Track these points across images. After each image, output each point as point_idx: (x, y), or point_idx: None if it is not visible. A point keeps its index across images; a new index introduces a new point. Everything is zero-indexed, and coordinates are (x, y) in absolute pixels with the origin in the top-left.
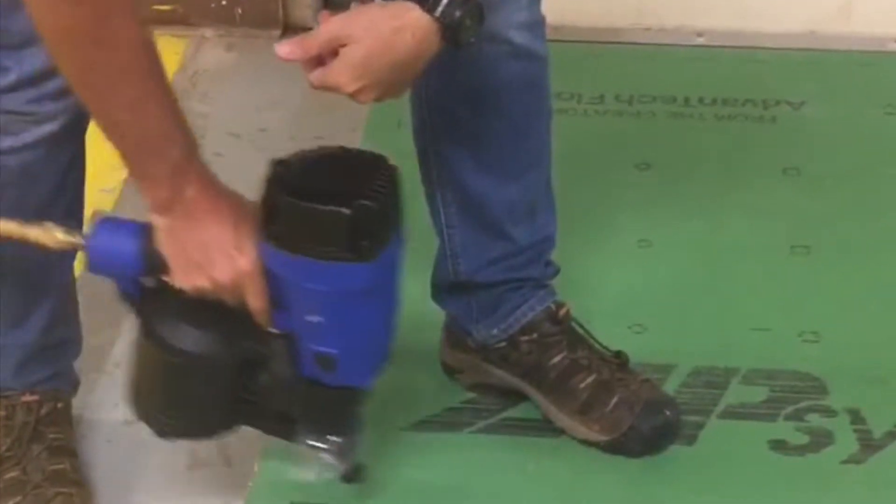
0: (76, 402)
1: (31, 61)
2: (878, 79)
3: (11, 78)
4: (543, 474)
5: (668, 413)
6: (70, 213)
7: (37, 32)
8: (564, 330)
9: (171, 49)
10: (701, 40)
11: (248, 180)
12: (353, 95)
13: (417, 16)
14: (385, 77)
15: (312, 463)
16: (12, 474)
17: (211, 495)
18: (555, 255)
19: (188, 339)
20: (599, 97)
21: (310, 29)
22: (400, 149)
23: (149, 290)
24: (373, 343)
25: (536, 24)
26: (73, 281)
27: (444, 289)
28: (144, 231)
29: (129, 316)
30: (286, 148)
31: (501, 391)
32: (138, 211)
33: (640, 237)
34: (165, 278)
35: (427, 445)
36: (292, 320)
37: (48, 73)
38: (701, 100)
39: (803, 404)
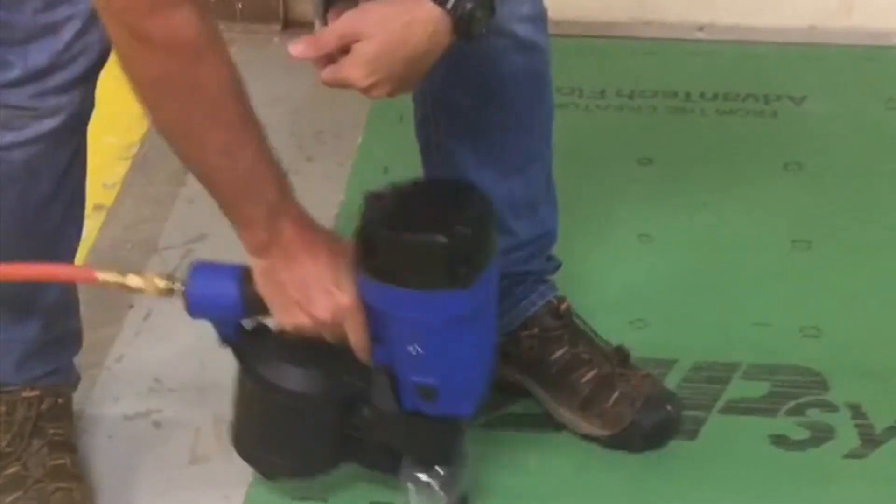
0: (77, 397)
1: (36, 57)
2: (879, 73)
3: (16, 73)
4: (545, 469)
5: (669, 408)
6: (71, 208)
7: (41, 27)
8: (565, 325)
9: None
10: (702, 35)
11: None
12: (365, 91)
13: (429, 9)
14: (398, 71)
15: (418, 495)
16: (13, 470)
17: (212, 490)
18: (556, 250)
19: (291, 378)
20: (600, 92)
21: (310, 24)
22: (401, 143)
23: (247, 332)
24: (472, 371)
25: (539, 16)
26: None
27: None
28: (241, 274)
29: (130, 312)
30: (287, 144)
31: (502, 386)
32: (138, 206)
33: (641, 232)
34: (264, 319)
35: None
36: (392, 353)
37: (52, 69)
38: (702, 95)
39: (804, 399)
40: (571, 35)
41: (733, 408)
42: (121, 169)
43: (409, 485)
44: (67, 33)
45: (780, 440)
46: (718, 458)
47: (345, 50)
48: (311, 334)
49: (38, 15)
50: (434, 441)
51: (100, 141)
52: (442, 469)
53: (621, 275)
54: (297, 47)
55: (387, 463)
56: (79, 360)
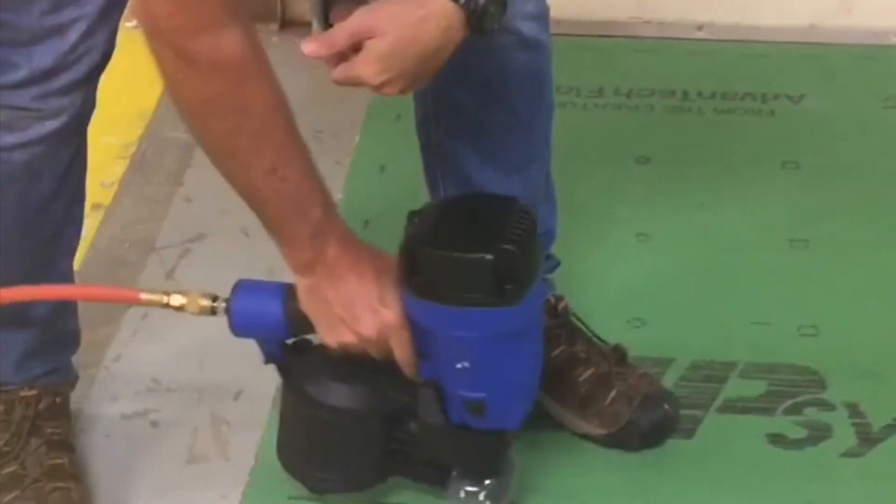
0: (74, 396)
1: (41, 58)
2: (877, 72)
3: (21, 74)
4: (542, 468)
5: (666, 407)
6: (71, 208)
7: (47, 29)
8: (563, 323)
9: None
10: (700, 34)
11: None
12: (378, 88)
13: (442, 4)
14: (411, 68)
15: None
16: (11, 469)
17: (209, 490)
18: (554, 249)
19: (337, 394)
20: (598, 90)
21: (308, 24)
22: (398, 142)
23: (291, 349)
24: (520, 384)
25: (542, 14)
26: (71, 274)
27: None
28: (285, 292)
29: (128, 311)
30: None
31: None
32: (136, 205)
33: (639, 231)
34: (308, 337)
35: None
36: (438, 368)
37: (56, 70)
38: (700, 93)
39: (802, 398)
40: (570, 34)
41: (731, 407)
42: (119, 168)
43: (458, 497)
44: (73, 35)
45: (777, 439)
46: (716, 457)
47: (355, 48)
48: (357, 352)
49: (44, 17)
50: (482, 454)
51: (98, 140)
52: (490, 480)
53: (619, 274)
54: (310, 46)
55: (434, 476)
56: (77, 360)
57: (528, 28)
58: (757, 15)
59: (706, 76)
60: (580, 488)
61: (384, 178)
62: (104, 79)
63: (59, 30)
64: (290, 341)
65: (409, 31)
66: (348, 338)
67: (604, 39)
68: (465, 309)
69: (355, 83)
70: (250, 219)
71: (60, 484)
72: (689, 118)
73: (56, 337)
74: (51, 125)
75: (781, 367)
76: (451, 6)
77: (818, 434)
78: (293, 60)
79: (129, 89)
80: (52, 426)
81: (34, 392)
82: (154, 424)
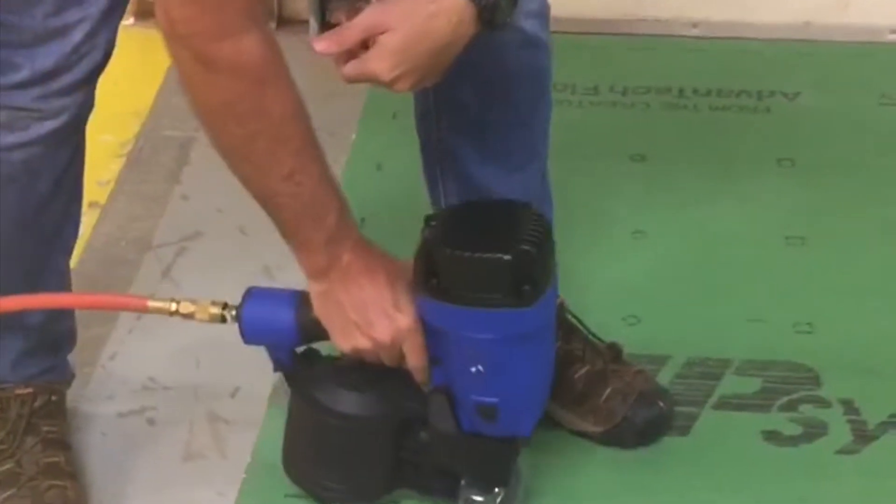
0: (71, 394)
1: (43, 60)
2: (872, 69)
3: (23, 74)
4: (537, 466)
5: (661, 404)
6: (69, 207)
7: (50, 31)
8: (559, 321)
9: None
10: (696, 31)
11: None
12: (390, 84)
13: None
14: (423, 63)
15: None
16: (7, 467)
17: (205, 487)
18: None
19: (347, 402)
20: (594, 88)
21: (305, 22)
22: (395, 140)
23: (301, 357)
24: (533, 389)
25: (543, 12)
26: (68, 273)
27: None
28: (297, 299)
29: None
30: None
31: None
32: (132, 204)
33: (634, 228)
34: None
35: None
36: (452, 373)
37: (58, 71)
38: (696, 91)
39: (797, 395)
40: (565, 31)
41: (726, 404)
42: (115, 166)
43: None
44: (76, 36)
45: (772, 436)
46: (711, 454)
47: (364, 45)
48: (370, 357)
49: (47, 19)
50: (493, 462)
51: (95, 138)
52: (499, 489)
53: (615, 271)
54: (321, 43)
55: (442, 487)
56: (73, 358)
57: (530, 26)
58: (752, 12)
59: (702, 73)
60: (575, 485)
61: (381, 175)
62: (101, 77)
63: (62, 31)
64: (299, 350)
65: (421, 26)
66: (362, 343)
67: (599, 37)
68: (483, 310)
69: (367, 80)
70: (247, 217)
71: (56, 482)
72: (684, 115)
73: (53, 336)
74: (50, 125)
75: (777, 364)
76: (462, 1)
77: (813, 431)
78: (290, 58)
79: (126, 87)
80: (48, 424)
81: (30, 390)
82: (150, 422)
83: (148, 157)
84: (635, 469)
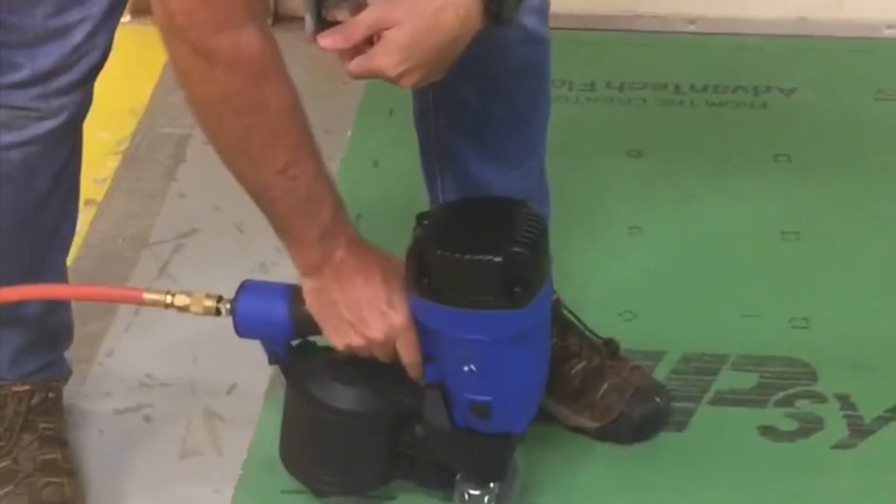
0: (67, 391)
1: (43, 60)
2: (869, 65)
3: (24, 74)
4: (534, 462)
5: (658, 400)
6: (66, 205)
7: (51, 31)
8: (555, 317)
9: None
10: (693, 27)
11: None
12: (395, 80)
13: None
14: (430, 58)
15: None
16: (3, 464)
17: (202, 484)
18: None
19: (342, 397)
20: (590, 84)
21: (300, 19)
22: (391, 137)
23: (296, 351)
24: (527, 388)
25: (544, 8)
26: (65, 271)
27: None
28: (291, 294)
29: (120, 306)
30: None
31: None
32: (128, 201)
33: (631, 224)
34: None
35: None
36: (445, 371)
37: (57, 71)
38: (692, 87)
39: (793, 390)
40: (562, 27)
41: (722, 399)
42: (112, 164)
43: (463, 500)
44: (77, 36)
45: (768, 431)
46: (707, 450)
47: (368, 41)
48: (364, 354)
49: (48, 19)
50: (487, 457)
51: (91, 136)
52: (494, 484)
53: (611, 267)
54: (327, 39)
55: (437, 479)
56: (70, 355)
57: (531, 22)
58: (749, 8)
59: (698, 69)
60: (571, 481)
61: (377, 172)
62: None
63: (63, 31)
64: (294, 343)
65: (428, 21)
66: (355, 340)
67: (596, 33)
68: (474, 312)
69: (373, 76)
70: (243, 214)
71: (53, 479)
72: (681, 111)
73: (49, 332)
74: (49, 125)
75: (773, 360)
76: None
77: (810, 426)
78: (286, 55)
79: (122, 85)
80: (45, 421)
81: (27, 387)
82: (147, 419)
83: (144, 154)
84: (632, 464)
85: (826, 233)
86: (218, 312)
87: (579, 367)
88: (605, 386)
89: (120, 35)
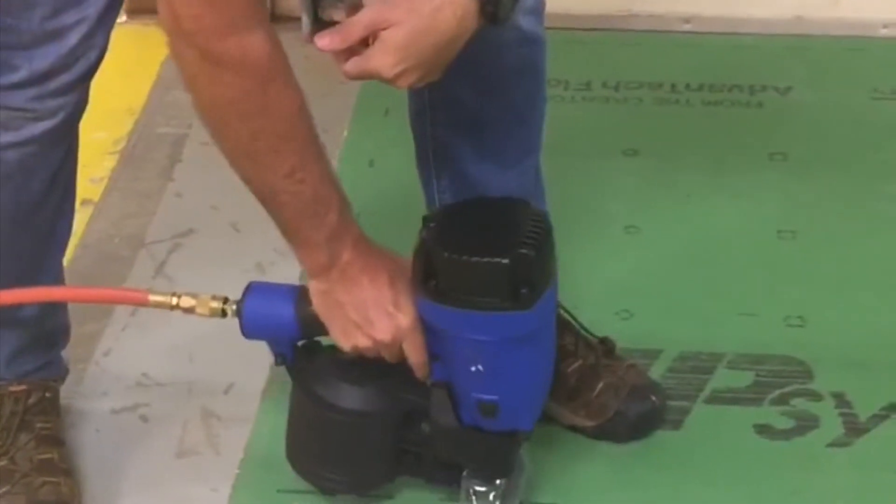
0: (64, 391)
1: (41, 61)
2: (864, 64)
3: (21, 75)
4: (531, 461)
5: (653, 398)
6: (63, 204)
7: (48, 33)
8: None
9: (159, 39)
10: (688, 26)
11: None
12: (392, 80)
13: None
14: (427, 59)
15: None
16: (1, 464)
17: (199, 483)
18: None
19: (349, 397)
20: (586, 84)
21: (297, 19)
22: (387, 137)
23: (302, 351)
24: (533, 386)
25: (539, 9)
26: (62, 271)
27: None
28: (297, 295)
29: (117, 306)
30: None
31: None
32: (125, 201)
33: (627, 223)
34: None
35: None
36: (451, 370)
37: (54, 72)
38: (688, 86)
39: (789, 389)
40: (558, 27)
41: (718, 397)
42: (108, 164)
43: (469, 497)
44: (73, 38)
45: (764, 429)
46: (703, 448)
47: (364, 42)
48: (371, 354)
49: (45, 21)
50: (493, 454)
51: (88, 136)
52: (501, 480)
53: (607, 266)
54: (324, 40)
55: (444, 476)
56: (67, 355)
57: (527, 23)
58: (744, 7)
59: (694, 68)
60: (568, 479)
61: (373, 172)
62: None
63: (60, 33)
64: (300, 343)
65: (425, 21)
66: (362, 342)
67: (592, 33)
68: (481, 313)
69: (370, 76)
70: (240, 214)
71: (50, 478)
72: (676, 110)
73: (47, 333)
74: (45, 125)
75: (769, 358)
76: None
77: (805, 424)
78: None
79: (119, 85)
80: (42, 421)
81: (23, 387)
82: (144, 419)
83: (141, 154)
84: (628, 463)
85: (822, 231)
86: (224, 314)
87: (575, 365)
88: (600, 385)
89: (116, 35)
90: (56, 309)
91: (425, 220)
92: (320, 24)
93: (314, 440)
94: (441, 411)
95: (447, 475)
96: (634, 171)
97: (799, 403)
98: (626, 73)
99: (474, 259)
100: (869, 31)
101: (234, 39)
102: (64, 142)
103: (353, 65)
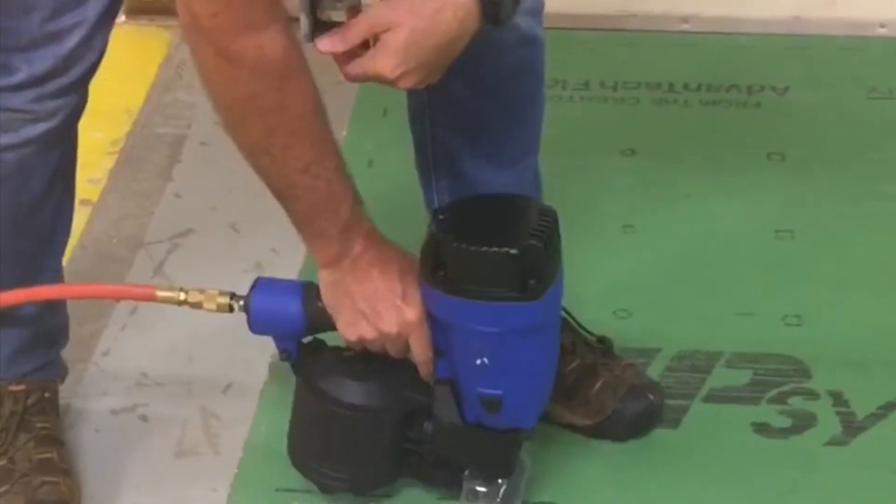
0: (64, 391)
1: (40, 63)
2: (862, 64)
3: (20, 77)
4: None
5: (651, 397)
6: (62, 205)
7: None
8: None
9: (157, 39)
10: (686, 26)
11: (234, 170)
12: (394, 82)
13: None
14: (429, 60)
15: None
16: (0, 464)
17: (197, 483)
18: None
19: (353, 392)
20: (584, 83)
21: (295, 19)
22: (385, 137)
23: (306, 347)
24: (538, 382)
25: (538, 9)
26: (61, 271)
27: None
28: (304, 290)
29: (116, 306)
30: None
31: None
32: (124, 201)
33: (625, 223)
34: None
35: None
36: (456, 365)
37: (53, 74)
38: (686, 86)
39: (786, 387)
40: (556, 27)
41: (716, 396)
42: (107, 164)
43: (470, 497)
44: (73, 40)
45: (762, 428)
46: (701, 447)
47: (364, 44)
48: (374, 347)
49: (44, 23)
50: (496, 453)
51: (86, 136)
52: (502, 480)
53: (605, 265)
54: (325, 43)
55: (444, 477)
56: (66, 355)
57: (526, 23)
58: (742, 7)
59: (692, 68)
60: (566, 478)
61: (372, 172)
62: None
63: (59, 35)
64: (305, 340)
65: (426, 23)
66: (368, 333)
67: (590, 32)
68: (489, 303)
69: (371, 78)
70: (239, 214)
71: (50, 478)
72: (674, 110)
73: (46, 332)
74: (44, 126)
75: (766, 357)
76: None
77: (803, 423)
78: None
79: (118, 85)
80: (41, 421)
81: (23, 387)
82: (143, 419)
83: (140, 154)
84: (625, 462)
85: (820, 231)
86: (231, 309)
87: (573, 364)
88: (598, 383)
89: (115, 35)
90: (55, 308)
91: (435, 212)
92: (319, 25)
93: (316, 436)
94: (444, 408)
95: (448, 476)
96: (632, 171)
97: (796, 402)
98: (625, 72)
99: (483, 249)
100: (866, 31)
101: (250, 37)
102: (63, 143)
103: (355, 67)
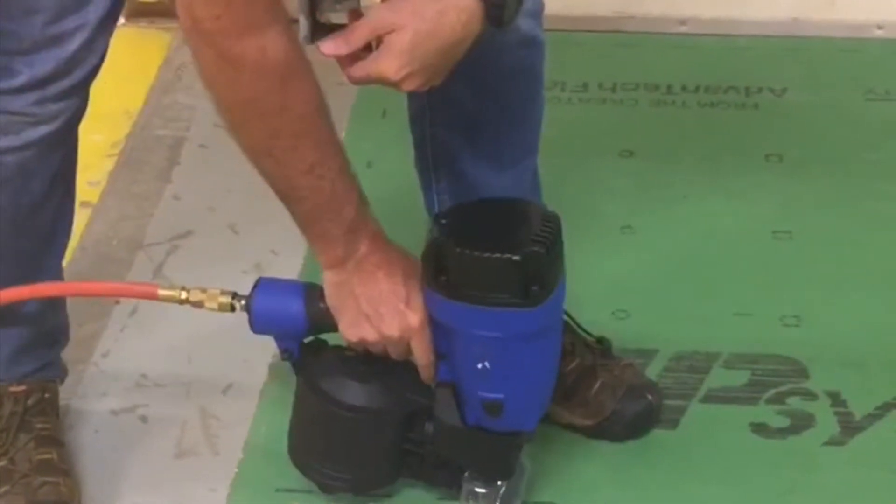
0: (63, 392)
1: (41, 66)
2: (859, 65)
3: (21, 80)
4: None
5: (650, 397)
6: (62, 207)
7: (49, 38)
8: None
9: (157, 42)
10: (684, 28)
11: (233, 171)
12: (397, 84)
13: None
14: (432, 62)
15: None
16: (0, 464)
17: (197, 483)
18: None
19: (354, 393)
20: (583, 85)
21: (294, 21)
22: (384, 138)
23: (307, 347)
24: (538, 385)
25: (538, 11)
26: (61, 273)
27: None
28: (307, 291)
29: (116, 307)
30: None
31: None
32: (123, 203)
33: (623, 224)
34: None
35: None
36: (458, 369)
37: (55, 77)
38: (684, 87)
39: (784, 388)
40: (555, 29)
41: (714, 397)
42: (106, 166)
43: (469, 498)
44: (74, 43)
45: (760, 428)
46: (699, 447)
47: (367, 47)
48: (375, 349)
49: (46, 27)
50: (496, 456)
51: (86, 138)
52: (502, 482)
53: (604, 266)
54: (328, 46)
55: (444, 478)
56: (65, 356)
57: (527, 25)
58: (740, 9)
59: (690, 70)
60: (564, 478)
61: (371, 173)
62: None
63: (60, 38)
64: (306, 340)
65: (430, 25)
66: (370, 335)
67: (588, 34)
68: (491, 309)
69: (375, 80)
70: (238, 215)
71: (50, 479)
72: (673, 112)
73: (46, 333)
74: (45, 129)
75: (764, 358)
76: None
77: (801, 423)
78: None
79: (117, 87)
80: (41, 422)
81: (23, 388)
82: (143, 419)
83: (139, 156)
84: (624, 462)
85: (817, 232)
86: (233, 309)
87: (572, 365)
88: (597, 384)
89: (115, 37)
90: (56, 308)
91: (437, 217)
92: (318, 27)
93: (317, 436)
94: (445, 410)
95: (448, 477)
96: (631, 172)
97: (794, 402)
98: (623, 74)
99: (486, 255)
100: (864, 33)
101: (252, 39)
102: (63, 145)
103: (358, 69)
